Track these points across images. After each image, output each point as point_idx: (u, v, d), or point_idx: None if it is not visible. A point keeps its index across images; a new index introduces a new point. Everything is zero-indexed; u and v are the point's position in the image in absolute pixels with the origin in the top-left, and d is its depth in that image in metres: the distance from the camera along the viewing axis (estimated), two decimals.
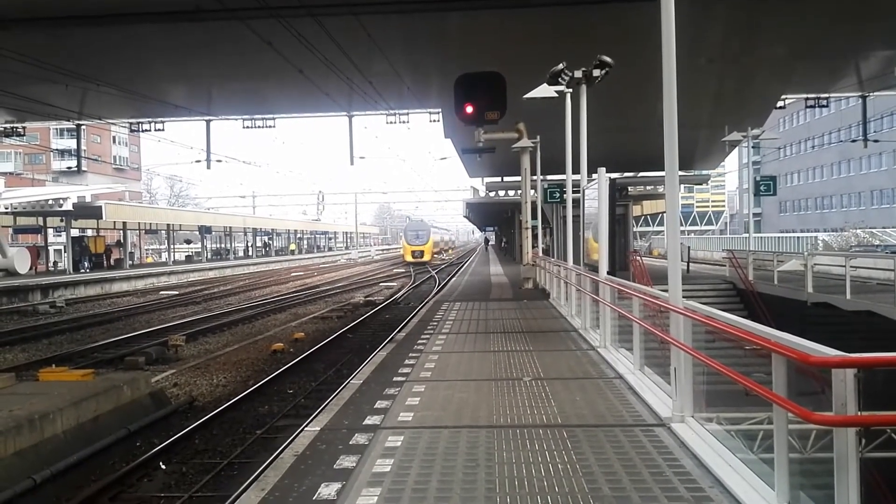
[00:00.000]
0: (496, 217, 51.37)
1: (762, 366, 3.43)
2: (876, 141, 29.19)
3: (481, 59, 15.36)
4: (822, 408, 2.85)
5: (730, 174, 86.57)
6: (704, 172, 34.57)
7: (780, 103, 24.00)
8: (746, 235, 24.78)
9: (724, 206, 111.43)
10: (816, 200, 69.27)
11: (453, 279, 28.00)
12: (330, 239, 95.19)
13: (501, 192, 34.26)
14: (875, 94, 24.47)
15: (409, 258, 52.59)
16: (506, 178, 32.33)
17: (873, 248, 32.24)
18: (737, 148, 29.47)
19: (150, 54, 17.99)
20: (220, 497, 6.33)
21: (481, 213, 50.04)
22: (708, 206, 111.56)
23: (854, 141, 31.55)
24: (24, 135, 26.86)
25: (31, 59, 14.93)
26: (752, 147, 26.90)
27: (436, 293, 22.35)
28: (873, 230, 40.59)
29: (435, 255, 58.35)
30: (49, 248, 44.05)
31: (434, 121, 23.71)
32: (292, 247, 72.83)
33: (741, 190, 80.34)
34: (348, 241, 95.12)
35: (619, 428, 4.97)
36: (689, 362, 4.67)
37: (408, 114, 24.16)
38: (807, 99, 24.90)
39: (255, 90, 22.67)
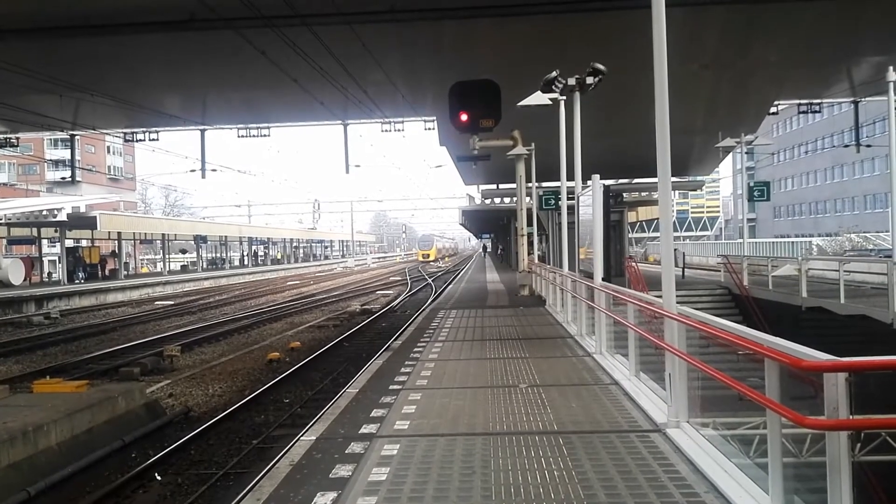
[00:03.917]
0: (492, 224, 51.60)
1: (756, 370, 3.44)
2: (868, 146, 29.32)
3: (476, 66, 15.43)
4: (815, 412, 2.86)
5: (724, 180, 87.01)
6: (699, 178, 34.74)
7: (772, 109, 24.15)
8: (741, 241, 24.85)
9: (718, 211, 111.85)
10: (810, 205, 69.61)
11: (450, 287, 28.00)
12: (326, 247, 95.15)
13: (497, 200, 34.32)
14: (867, 99, 24.63)
15: (420, 259, 79.22)
16: (501, 186, 32.41)
17: (867, 252, 32.39)
18: (731, 153, 29.59)
19: (144, 64, 18.02)
20: None
21: (477, 221, 50.18)
22: (703, 212, 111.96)
23: (847, 146, 31.74)
24: (17, 145, 26.83)
25: (26, 69, 14.95)
26: (746, 153, 27.00)
27: (432, 301, 22.34)
28: (867, 234, 40.78)
29: (439, 259, 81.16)
30: (43, 258, 43.87)
31: (429, 129, 23.77)
32: (279, 255, 73.45)
33: (735, 195, 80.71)
34: (344, 249, 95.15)
35: (615, 434, 4.98)
36: (684, 368, 4.68)
37: (403, 122, 24.21)
38: (799, 104, 25.07)
39: (250, 99, 22.71)
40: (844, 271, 13.92)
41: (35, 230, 37.59)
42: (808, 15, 15.42)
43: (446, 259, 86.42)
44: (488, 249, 71.72)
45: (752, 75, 19.17)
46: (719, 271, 21.81)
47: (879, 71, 18.18)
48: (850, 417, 2.72)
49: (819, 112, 27.17)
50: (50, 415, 7.69)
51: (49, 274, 43.94)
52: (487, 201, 34.67)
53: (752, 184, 25.12)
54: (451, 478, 4.12)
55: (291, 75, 16.16)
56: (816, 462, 3.07)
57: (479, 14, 14.77)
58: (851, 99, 25.24)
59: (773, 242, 48.75)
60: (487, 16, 14.89)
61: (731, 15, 15.38)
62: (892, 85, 16.45)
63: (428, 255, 79.38)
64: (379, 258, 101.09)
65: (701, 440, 4.45)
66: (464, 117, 13.32)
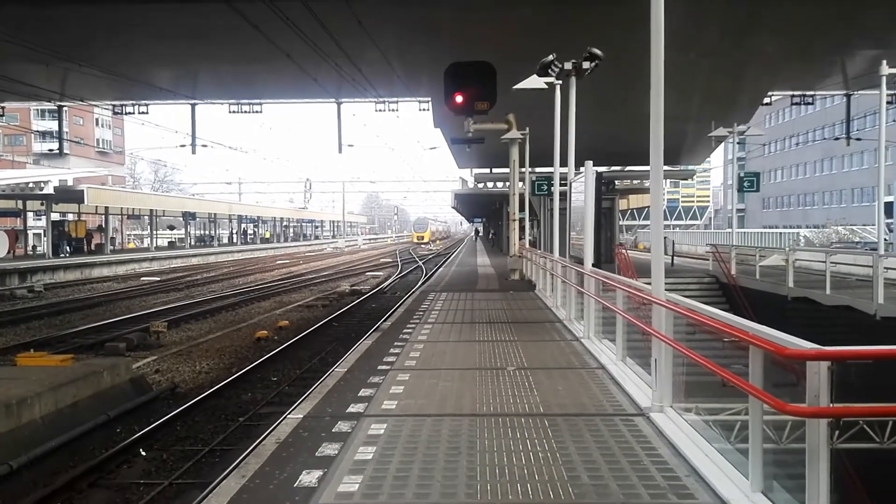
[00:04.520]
0: (484, 208, 51.60)
1: (740, 358, 3.48)
2: (858, 139, 29.49)
3: (472, 48, 15.29)
4: (796, 399, 2.90)
5: (715, 170, 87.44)
6: (690, 167, 34.80)
7: (766, 100, 24.18)
8: (730, 230, 25.03)
9: (708, 201, 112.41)
10: (799, 197, 70.11)
11: (440, 269, 28.03)
12: (317, 227, 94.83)
13: (490, 184, 34.26)
14: (859, 92, 24.73)
15: (415, 240, 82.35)
16: (494, 170, 32.32)
17: (853, 244, 32.78)
18: (722, 144, 29.68)
19: (135, 36, 17.68)
20: (201, 484, 6.31)
21: (469, 204, 50.14)
22: (693, 201, 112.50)
23: (837, 139, 31.88)
24: (2, 115, 26.35)
25: (12, 36, 14.61)
26: (738, 143, 27.11)
27: (422, 283, 22.37)
28: (854, 227, 41.23)
29: (432, 242, 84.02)
30: (28, 231, 43.38)
31: (424, 110, 23.59)
32: (267, 234, 73.11)
33: (726, 185, 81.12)
34: (335, 229, 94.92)
35: (600, 417, 5.03)
36: (670, 353, 4.73)
37: (397, 102, 24.01)
38: (793, 96, 25.12)
39: (243, 74, 22.39)
40: (831, 263, 14.07)
41: (20, 202, 37.11)
42: (806, 7, 15.40)
43: (437, 242, 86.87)
44: (480, 233, 72.08)
45: (748, 65, 19.16)
46: (708, 260, 21.99)
47: (873, 65, 18.24)
48: (831, 405, 2.76)
49: (812, 104, 27.26)
50: (34, 388, 7.64)
51: (34, 247, 43.48)
52: (480, 185, 34.61)
53: (742, 174, 25.25)
54: (437, 458, 4.15)
55: (285, 51, 15.92)
56: (796, 448, 3.12)
57: None
58: (844, 92, 25.31)
59: (762, 233, 49.15)
60: None
61: (728, 5, 15.31)
62: (884, 79, 16.51)
63: (422, 237, 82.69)
64: (370, 240, 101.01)
65: (684, 425, 4.51)
66: (459, 99, 13.21)
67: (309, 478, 3.87)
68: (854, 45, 19.20)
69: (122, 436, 7.98)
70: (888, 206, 27.74)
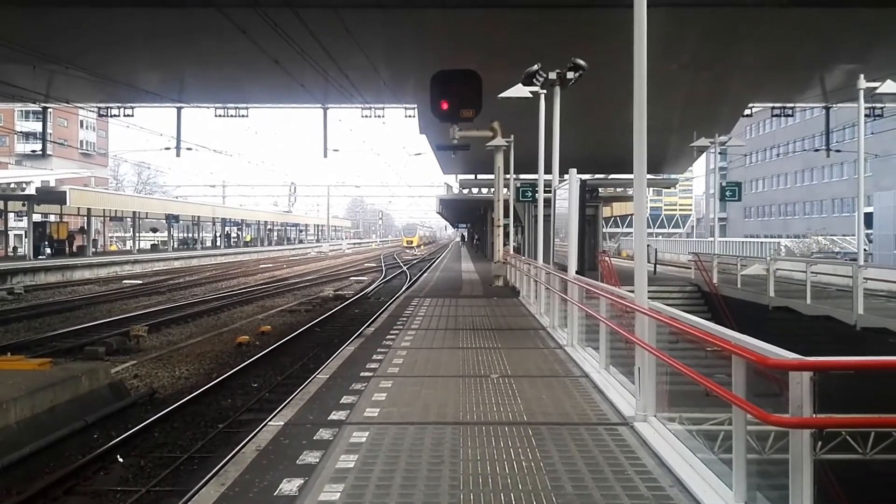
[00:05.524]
0: (469, 214, 51.71)
1: (723, 367, 3.49)
2: (838, 151, 29.97)
3: (458, 56, 15.33)
4: (779, 409, 2.91)
5: (697, 179, 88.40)
6: (673, 176, 35.17)
7: (747, 111, 24.53)
8: (712, 239, 25.30)
9: (691, 209, 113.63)
10: (780, 207, 71.11)
11: (424, 275, 27.98)
12: (301, 231, 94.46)
13: (475, 190, 34.31)
14: (838, 105, 25.15)
15: (404, 244, 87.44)
16: (479, 176, 32.39)
17: (833, 254, 33.27)
18: (704, 153, 30.00)
19: (122, 39, 17.48)
20: (179, 492, 6.19)
21: (454, 210, 50.22)
22: (675, 210, 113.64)
23: (817, 150, 32.41)
24: None
25: None
26: (719, 153, 27.44)
27: (406, 288, 22.30)
28: (834, 237, 41.82)
29: (419, 246, 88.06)
30: (9, 232, 42.66)
31: (409, 116, 23.56)
32: (248, 237, 72.65)
33: (707, 194, 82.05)
34: (319, 233, 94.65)
35: (584, 426, 5.02)
36: (653, 362, 4.74)
37: (383, 108, 23.97)
38: (773, 108, 25.48)
39: (229, 78, 22.23)
40: (811, 273, 14.24)
41: (1, 203, 36.46)
42: (786, 22, 15.67)
43: (422, 248, 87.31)
44: (465, 239, 72.33)
45: (729, 77, 19.42)
46: (690, 268, 22.18)
47: (851, 78, 18.59)
48: (814, 416, 2.77)
49: (792, 116, 27.68)
50: (9, 392, 7.48)
51: (14, 248, 42.73)
52: (465, 191, 34.64)
53: (724, 184, 25.56)
54: (420, 466, 4.11)
55: (272, 56, 15.85)
56: (779, 459, 3.13)
57: (464, 3, 14.68)
58: (823, 104, 25.73)
59: (743, 242, 49.74)
60: (471, 6, 14.79)
61: (711, 17, 15.52)
62: (861, 92, 16.81)
63: (411, 242, 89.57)
64: (354, 244, 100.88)
65: (668, 434, 4.51)
66: (444, 106, 13.24)
67: (289, 486, 3.81)
68: (832, 59, 19.54)
69: (99, 442, 7.82)
70: (868, 216, 28.25)
